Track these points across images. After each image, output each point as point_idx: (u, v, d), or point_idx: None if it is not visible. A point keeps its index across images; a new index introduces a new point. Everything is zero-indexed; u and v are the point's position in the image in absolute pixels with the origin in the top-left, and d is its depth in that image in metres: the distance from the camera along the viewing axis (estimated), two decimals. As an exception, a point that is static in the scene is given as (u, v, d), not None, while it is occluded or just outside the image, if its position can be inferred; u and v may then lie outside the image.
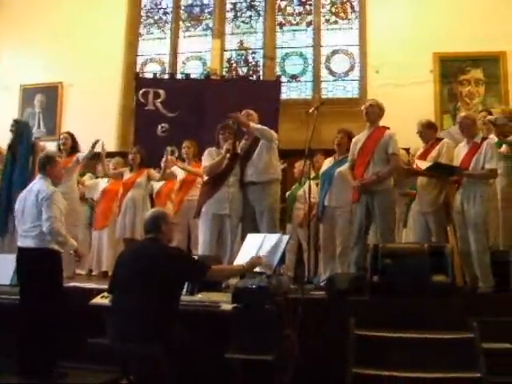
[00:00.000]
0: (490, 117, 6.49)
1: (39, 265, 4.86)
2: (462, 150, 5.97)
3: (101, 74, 10.51)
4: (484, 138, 5.89)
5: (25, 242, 5.00)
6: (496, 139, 6.25)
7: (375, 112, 6.14)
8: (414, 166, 6.24)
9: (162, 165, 7.39)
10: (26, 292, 4.92)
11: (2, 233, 6.83)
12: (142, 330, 4.01)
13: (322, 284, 5.59)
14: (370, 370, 4.37)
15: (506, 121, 6.26)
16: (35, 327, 4.75)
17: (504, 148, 6.29)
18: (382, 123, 6.19)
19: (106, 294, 4.69)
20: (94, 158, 7.79)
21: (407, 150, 6.88)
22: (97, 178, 8.36)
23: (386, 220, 5.91)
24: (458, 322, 4.69)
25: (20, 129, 7.11)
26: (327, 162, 6.75)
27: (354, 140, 6.30)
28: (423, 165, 5.99)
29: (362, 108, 6.18)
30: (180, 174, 7.43)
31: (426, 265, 4.96)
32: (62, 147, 7.32)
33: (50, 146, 8.33)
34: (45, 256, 4.93)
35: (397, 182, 6.20)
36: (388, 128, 6.14)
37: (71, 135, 7.44)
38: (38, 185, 5.07)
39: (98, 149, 7.40)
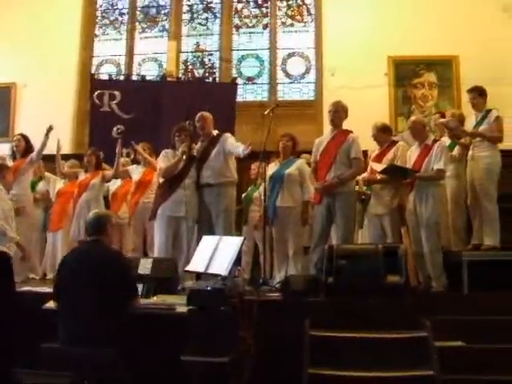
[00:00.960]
0: (441, 120, 6.60)
1: None
2: (413, 152, 6.08)
3: (55, 74, 10.33)
4: (435, 140, 5.99)
5: None
6: (449, 141, 6.37)
7: (341, 117, 6.20)
8: (368, 170, 6.34)
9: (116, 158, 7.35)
10: None
11: None
12: (95, 334, 3.98)
13: (277, 286, 5.60)
14: (325, 371, 4.39)
15: (457, 124, 6.37)
16: None
17: (457, 150, 6.40)
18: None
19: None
20: (50, 160, 7.70)
21: (364, 152, 6.94)
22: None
23: (347, 222, 5.97)
24: (412, 321, 4.75)
25: None
26: (273, 166, 6.77)
27: (316, 142, 6.34)
28: (378, 167, 6.07)
29: (328, 113, 6.22)
30: (135, 176, 7.38)
31: (380, 265, 5.02)
32: (15, 149, 7.20)
33: (3, 148, 8.16)
34: None
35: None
36: (351, 132, 6.18)
37: (24, 137, 7.34)
38: None
39: (53, 148, 7.30)
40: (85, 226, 4.51)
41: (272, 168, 6.76)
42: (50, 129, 7.08)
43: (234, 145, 6.19)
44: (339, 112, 6.17)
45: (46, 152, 7.59)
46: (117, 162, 7.36)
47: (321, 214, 6.03)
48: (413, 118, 6.46)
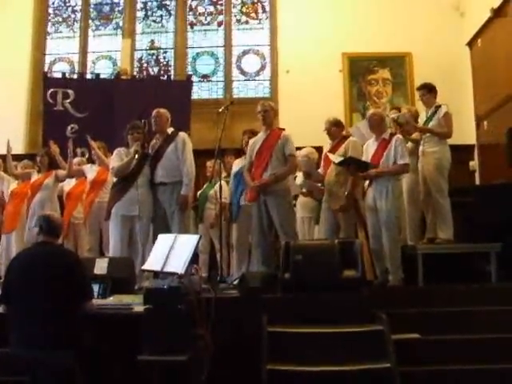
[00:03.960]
0: (392, 115, 6.68)
1: None
2: (370, 146, 6.12)
3: (7, 72, 10.17)
4: (392, 134, 6.05)
5: None
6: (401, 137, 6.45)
7: (271, 116, 6.25)
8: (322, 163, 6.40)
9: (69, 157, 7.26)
10: None
11: None
12: (47, 336, 3.92)
13: (234, 283, 5.60)
14: (284, 366, 4.40)
15: (408, 119, 6.45)
16: None
17: (408, 145, 6.48)
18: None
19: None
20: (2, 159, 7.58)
21: (318, 148, 6.98)
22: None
23: (285, 218, 6.00)
24: (368, 315, 4.80)
25: None
26: (238, 163, 6.80)
27: (250, 142, 6.37)
28: (335, 158, 6.10)
29: (258, 114, 6.23)
30: (90, 175, 7.30)
31: (336, 260, 5.04)
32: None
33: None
34: None
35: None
36: (283, 129, 6.25)
37: None
38: None
39: (3, 149, 7.19)
40: (37, 226, 4.42)
41: (237, 164, 6.76)
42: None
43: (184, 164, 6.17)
44: (268, 111, 6.22)
45: (2, 152, 7.49)
46: (69, 162, 7.25)
47: (258, 213, 6.06)
48: (372, 110, 6.53)
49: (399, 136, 6.04)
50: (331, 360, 4.42)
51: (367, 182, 6.13)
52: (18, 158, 8.06)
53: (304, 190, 6.82)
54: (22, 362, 4.02)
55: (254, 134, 6.66)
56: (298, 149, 6.45)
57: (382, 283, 5.85)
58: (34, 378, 4.09)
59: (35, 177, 7.46)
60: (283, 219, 5.96)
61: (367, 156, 6.07)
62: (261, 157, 6.13)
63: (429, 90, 6.52)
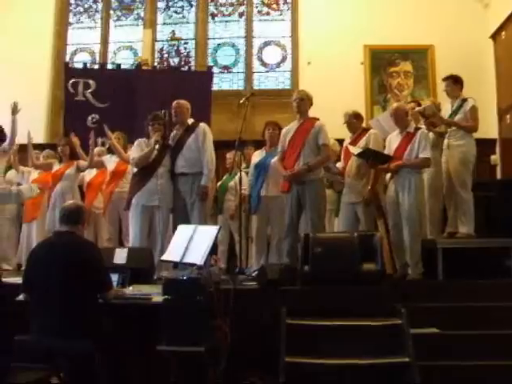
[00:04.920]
0: (417, 108, 6.62)
1: None
2: (394, 139, 6.08)
3: (29, 63, 10.21)
4: (417, 128, 6.01)
5: None
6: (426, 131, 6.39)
7: (306, 104, 6.18)
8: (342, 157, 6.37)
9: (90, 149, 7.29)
10: None
11: None
12: (68, 326, 3.95)
13: (253, 274, 5.60)
14: (302, 359, 4.39)
15: (434, 110, 6.40)
16: None
17: (433, 139, 6.42)
18: (312, 115, 6.24)
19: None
20: (22, 150, 7.61)
21: (339, 140, 6.95)
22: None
23: (317, 209, 5.96)
24: (387, 308, 4.77)
25: None
26: (257, 154, 6.78)
27: (283, 131, 6.33)
28: (355, 150, 6.07)
29: (293, 102, 6.20)
30: (110, 165, 7.32)
31: (356, 253, 5.02)
32: (-13, 139, 7.09)
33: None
34: None
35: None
36: (318, 119, 6.18)
37: None
38: None
39: (24, 139, 7.21)
40: (59, 215, 4.45)
41: (257, 156, 6.74)
42: (15, 107, 6.96)
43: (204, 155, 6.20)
44: (304, 100, 6.17)
45: (20, 141, 7.52)
46: (91, 153, 7.29)
47: (290, 203, 6.03)
48: (395, 104, 6.48)
49: (424, 130, 6.00)
50: (350, 353, 4.41)
51: (388, 176, 6.10)
52: (39, 147, 8.08)
53: (325, 182, 6.78)
54: (42, 349, 4.06)
55: (276, 126, 6.63)
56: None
57: (401, 277, 5.83)
58: (54, 366, 4.13)
59: (56, 167, 7.51)
60: (314, 210, 5.93)
61: (390, 149, 6.03)
62: (293, 146, 6.09)
63: (454, 81, 6.45)
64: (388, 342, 4.50)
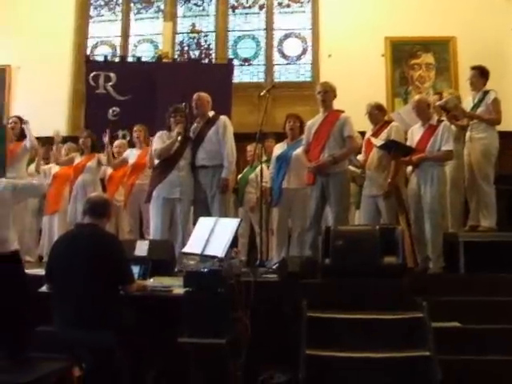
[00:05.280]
0: (438, 102, 6.56)
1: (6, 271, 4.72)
2: (416, 131, 6.04)
3: (50, 56, 10.28)
4: (440, 121, 5.96)
5: None
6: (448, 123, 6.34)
7: (331, 97, 6.16)
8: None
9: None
10: None
11: None
12: (89, 318, 3.98)
13: (274, 267, 5.60)
14: (322, 352, 4.38)
15: (456, 103, 6.34)
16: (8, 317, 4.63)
17: (453, 129, 6.37)
18: (334, 107, 6.21)
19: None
20: (48, 142, 7.68)
21: (361, 133, 6.92)
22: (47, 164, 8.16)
23: (341, 202, 5.96)
24: (408, 302, 4.75)
25: None
26: (279, 147, 6.76)
27: (308, 124, 6.32)
28: (377, 142, 6.04)
29: (317, 95, 6.17)
30: (131, 159, 7.35)
31: (377, 246, 5.00)
32: (11, 132, 7.14)
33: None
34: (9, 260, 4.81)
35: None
36: (343, 111, 6.16)
37: (21, 119, 7.29)
38: None
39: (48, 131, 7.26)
40: (84, 207, 4.47)
41: (278, 148, 6.73)
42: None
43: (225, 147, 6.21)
44: (329, 92, 6.14)
45: (42, 134, 7.57)
46: (107, 153, 7.35)
47: (315, 195, 6.02)
48: (417, 96, 6.45)
49: (446, 123, 5.95)
50: (370, 347, 4.39)
51: (409, 168, 6.07)
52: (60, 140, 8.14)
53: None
54: (64, 341, 4.09)
55: (297, 118, 6.62)
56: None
57: (422, 270, 5.81)
58: (75, 357, 4.16)
59: (78, 159, 7.55)
60: (339, 203, 5.93)
61: (412, 142, 5.99)
62: (318, 138, 6.08)
63: (481, 73, 6.38)
64: (409, 336, 4.48)
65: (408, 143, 6.05)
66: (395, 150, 5.95)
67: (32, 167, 7.77)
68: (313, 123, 6.22)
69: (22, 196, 5.51)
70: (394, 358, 4.33)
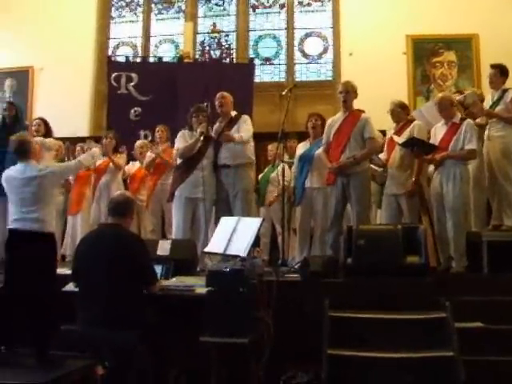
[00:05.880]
0: (458, 97, 6.51)
1: (39, 249, 4.79)
2: (439, 130, 5.98)
3: (72, 57, 10.37)
4: (463, 119, 5.91)
5: (22, 224, 4.92)
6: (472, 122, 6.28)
7: (352, 97, 6.14)
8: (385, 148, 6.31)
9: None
10: (23, 277, 4.81)
11: None
12: (112, 317, 4.02)
13: (296, 266, 5.60)
14: (344, 352, 4.37)
15: (475, 100, 6.29)
16: (35, 315, 4.68)
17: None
18: (355, 106, 6.19)
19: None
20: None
21: (382, 132, 6.89)
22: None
23: (362, 202, 5.93)
24: (431, 302, 4.73)
25: (17, 111, 6.99)
26: (302, 146, 6.76)
27: (328, 122, 6.30)
28: (400, 139, 6.02)
29: (339, 94, 6.16)
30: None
31: (400, 246, 4.98)
32: (34, 133, 7.19)
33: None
34: (44, 239, 4.89)
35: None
36: (363, 111, 6.14)
37: (44, 121, 7.33)
38: (28, 171, 5.00)
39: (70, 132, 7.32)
40: (107, 207, 4.51)
41: (301, 148, 6.73)
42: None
43: (246, 130, 6.22)
44: (350, 92, 6.11)
45: (64, 135, 7.63)
46: (114, 163, 7.43)
47: (335, 195, 6.01)
48: (440, 94, 6.40)
49: (470, 121, 5.89)
50: (393, 347, 4.38)
51: (432, 167, 6.03)
52: (82, 140, 8.19)
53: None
54: (87, 340, 4.12)
55: (319, 117, 6.61)
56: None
57: (445, 270, 5.76)
58: (99, 356, 4.19)
59: (100, 160, 7.60)
60: (360, 203, 5.90)
61: (435, 140, 5.93)
62: (339, 138, 6.06)
63: (501, 72, 6.32)
64: (432, 336, 4.46)
65: (431, 142, 6.00)
66: (417, 147, 5.91)
67: None
68: (333, 122, 6.20)
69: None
70: (417, 358, 4.31)
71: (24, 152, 5.10)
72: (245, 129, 6.26)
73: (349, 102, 6.11)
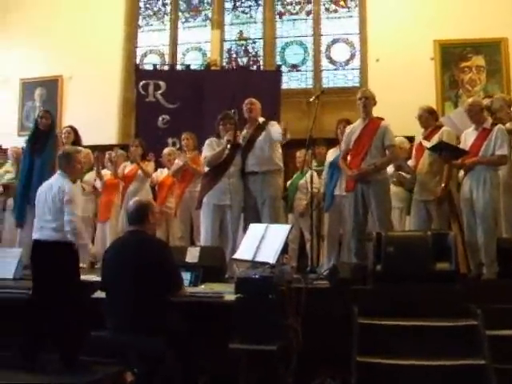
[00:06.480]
0: (485, 101, 6.44)
1: (59, 257, 4.84)
2: (469, 135, 5.93)
3: (100, 66, 10.50)
4: (494, 124, 5.85)
5: (43, 234, 4.96)
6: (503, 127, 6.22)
7: (371, 104, 6.13)
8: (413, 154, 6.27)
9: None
10: (43, 285, 4.88)
11: (21, 223, 6.85)
12: (139, 324, 4.03)
13: (324, 273, 5.58)
14: (374, 359, 4.36)
15: (502, 103, 6.22)
16: (58, 322, 4.72)
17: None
18: (382, 112, 6.17)
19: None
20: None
21: (410, 138, 6.85)
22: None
23: (383, 209, 5.91)
24: (462, 309, 4.68)
25: (52, 119, 7.08)
26: (332, 152, 6.75)
27: (347, 130, 6.29)
28: (428, 144, 5.98)
29: (358, 101, 6.14)
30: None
31: (429, 252, 4.95)
32: (64, 141, 7.27)
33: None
34: (64, 249, 4.92)
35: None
36: (383, 119, 6.13)
37: (74, 129, 7.40)
38: (59, 182, 5.04)
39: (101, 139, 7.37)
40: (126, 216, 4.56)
41: (332, 154, 6.72)
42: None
43: (277, 131, 6.18)
44: (369, 99, 6.11)
45: (93, 143, 7.69)
46: (143, 170, 7.47)
47: (355, 202, 5.98)
48: (470, 100, 6.31)
49: (501, 126, 5.83)
50: (423, 354, 4.36)
51: (462, 173, 5.98)
52: (110, 148, 8.26)
53: (394, 180, 6.70)
54: (116, 346, 4.16)
55: (348, 123, 6.59)
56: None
57: (475, 277, 5.70)
58: (128, 362, 4.22)
59: (128, 167, 7.66)
60: (381, 210, 5.87)
61: (465, 146, 5.87)
62: (359, 145, 6.04)
63: None
64: (463, 344, 4.42)
65: (461, 147, 5.94)
66: (445, 151, 5.86)
67: (88, 176, 7.89)
68: (353, 130, 6.19)
69: None
70: (448, 366, 4.28)
71: (61, 163, 5.17)
72: (275, 130, 6.24)
73: (368, 108, 6.10)
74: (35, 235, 5.06)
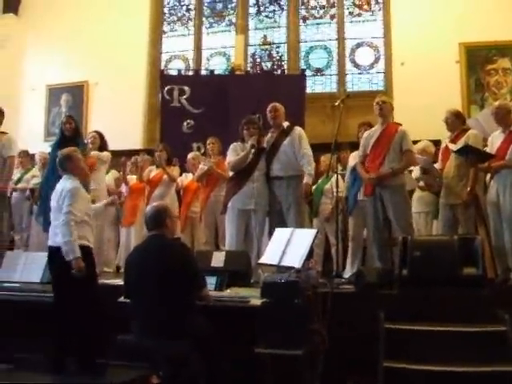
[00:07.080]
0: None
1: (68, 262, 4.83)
2: (496, 138, 5.87)
3: (126, 71, 10.60)
4: None
5: (55, 241, 4.86)
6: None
7: (388, 108, 6.12)
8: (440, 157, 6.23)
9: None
10: (61, 290, 4.89)
11: (47, 227, 6.91)
12: (165, 327, 4.07)
13: (350, 278, 5.56)
14: (401, 364, 4.34)
15: None
16: (76, 325, 4.75)
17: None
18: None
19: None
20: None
21: (435, 141, 6.80)
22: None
23: (402, 213, 5.87)
24: (490, 314, 4.64)
25: (76, 124, 7.14)
26: (354, 156, 6.72)
27: (365, 135, 6.27)
28: (454, 147, 5.94)
29: (375, 106, 6.12)
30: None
31: (456, 257, 4.91)
32: (90, 146, 7.32)
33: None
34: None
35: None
36: (400, 124, 6.11)
37: (100, 134, 7.44)
38: (62, 184, 4.99)
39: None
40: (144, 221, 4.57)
41: (354, 158, 6.71)
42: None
43: (304, 156, 6.19)
44: (386, 103, 6.11)
45: (119, 148, 7.74)
46: (169, 175, 7.49)
47: (374, 207, 5.95)
48: (496, 103, 6.26)
49: (528, 128, 5.78)
50: (450, 360, 4.32)
51: (489, 176, 5.92)
52: (136, 153, 8.31)
53: (422, 184, 6.67)
54: (141, 350, 4.18)
55: (370, 126, 6.57)
56: (414, 142, 6.32)
57: (503, 282, 5.63)
58: (153, 366, 4.24)
59: (153, 172, 7.69)
60: (399, 214, 5.83)
61: (492, 149, 5.83)
62: (377, 150, 6.03)
63: None
64: (491, 350, 4.37)
65: (488, 150, 5.89)
66: (471, 155, 5.81)
67: (108, 176, 7.94)
68: (371, 134, 6.17)
69: None
70: (477, 373, 4.23)
71: (61, 165, 5.08)
72: (305, 146, 6.24)
73: (386, 112, 6.08)
74: (49, 242, 4.99)
